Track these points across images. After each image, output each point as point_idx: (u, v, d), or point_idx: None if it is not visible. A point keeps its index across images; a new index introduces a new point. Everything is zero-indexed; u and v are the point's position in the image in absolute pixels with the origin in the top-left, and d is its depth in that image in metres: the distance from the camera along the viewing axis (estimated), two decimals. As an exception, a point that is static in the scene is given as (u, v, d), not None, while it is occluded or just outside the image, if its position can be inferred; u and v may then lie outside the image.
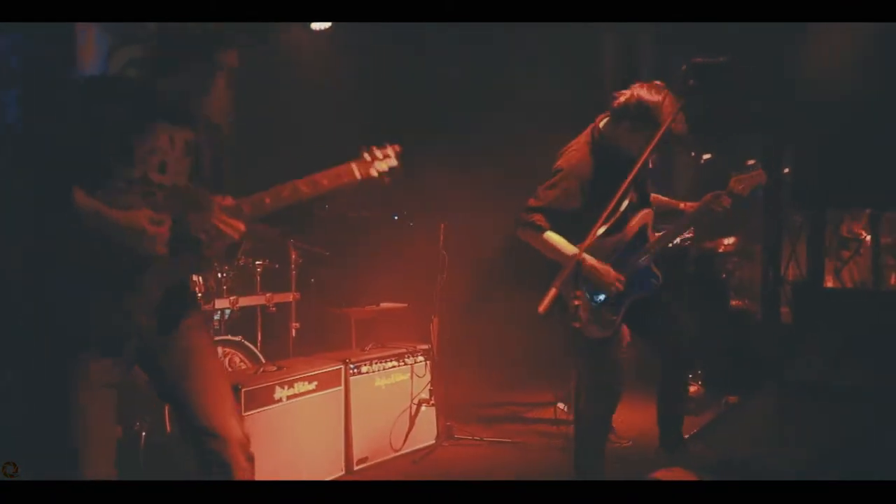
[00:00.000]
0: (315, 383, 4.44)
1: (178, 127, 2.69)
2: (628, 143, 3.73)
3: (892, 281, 8.35)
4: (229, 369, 4.85)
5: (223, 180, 2.81)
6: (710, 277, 10.03)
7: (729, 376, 6.46)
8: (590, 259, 3.65)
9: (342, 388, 4.60)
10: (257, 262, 5.35)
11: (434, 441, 5.19)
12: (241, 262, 5.18)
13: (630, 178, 3.03)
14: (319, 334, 6.41)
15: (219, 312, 5.31)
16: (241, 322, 5.66)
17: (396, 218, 7.91)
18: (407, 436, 5.00)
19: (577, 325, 3.48)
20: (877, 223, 7.63)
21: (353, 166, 2.80)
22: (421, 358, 5.18)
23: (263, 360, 4.93)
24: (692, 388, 6.07)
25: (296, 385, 4.32)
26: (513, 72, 7.07)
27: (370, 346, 5.08)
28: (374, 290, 6.96)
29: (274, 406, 4.19)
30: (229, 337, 4.93)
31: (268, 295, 5.36)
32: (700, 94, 3.86)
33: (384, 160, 2.85)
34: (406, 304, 6.56)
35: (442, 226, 5.27)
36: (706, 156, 14.43)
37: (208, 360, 2.82)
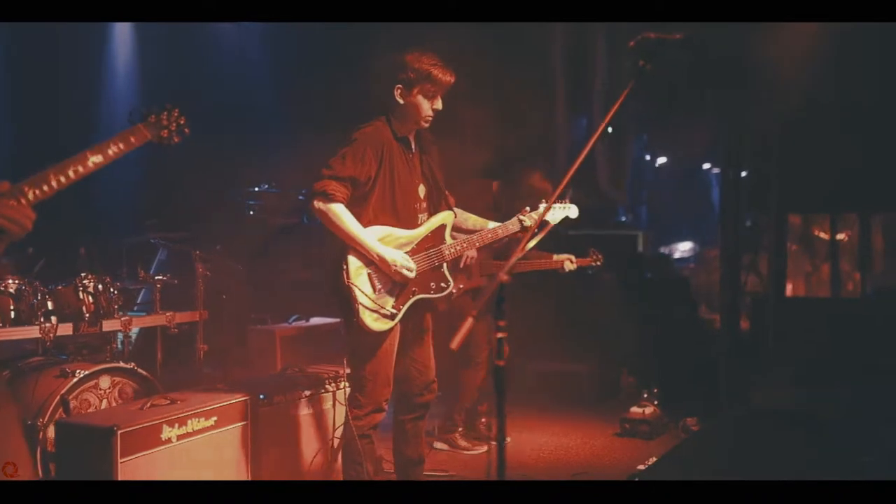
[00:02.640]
0: (214, 418, 3.82)
1: None
2: None
3: (850, 287, 8.03)
4: (118, 401, 4.20)
5: None
6: (670, 281, 9.61)
7: (688, 395, 5.99)
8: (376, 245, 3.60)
9: (248, 422, 3.99)
10: (157, 278, 4.70)
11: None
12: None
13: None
14: (238, 357, 5.80)
15: (117, 336, 4.69)
16: (143, 346, 5.06)
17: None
18: (329, 472, 4.40)
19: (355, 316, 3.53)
20: (835, 227, 7.33)
21: (142, 127, 2.63)
22: (343, 384, 4.58)
23: (161, 390, 4.30)
24: (647, 410, 5.56)
25: (189, 422, 3.69)
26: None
27: (287, 370, 4.49)
28: (300, 305, 6.39)
29: (160, 448, 3.55)
30: (120, 364, 4.26)
31: (168, 314, 4.72)
32: (650, 76, 3.42)
33: (170, 119, 2.71)
34: (341, 320, 6.01)
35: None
36: (661, 160, 14.11)
37: None
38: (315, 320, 6.38)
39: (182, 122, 2.74)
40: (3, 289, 4.15)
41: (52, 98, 5.56)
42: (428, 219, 3.84)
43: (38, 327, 4.16)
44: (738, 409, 4.91)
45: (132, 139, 2.58)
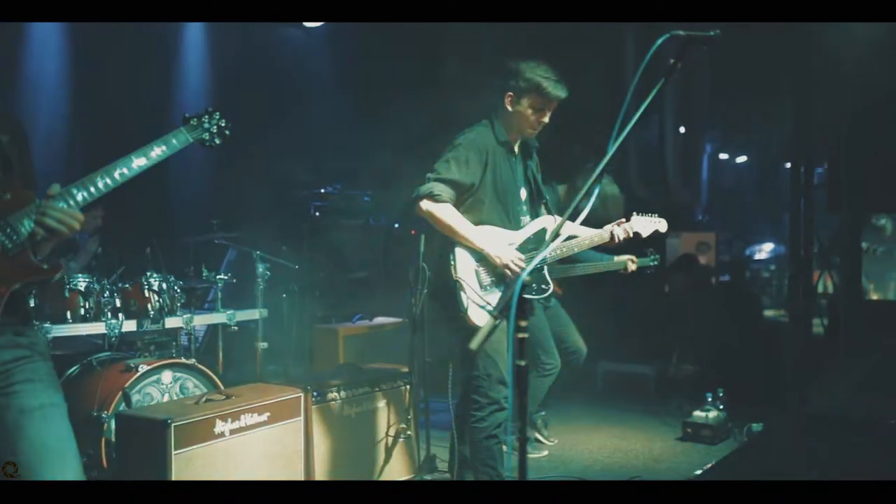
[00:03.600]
0: (267, 414, 3.92)
1: None
2: None
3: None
4: (179, 396, 4.36)
5: (33, 175, 2.53)
6: (742, 286, 9.40)
7: (754, 400, 5.84)
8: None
9: (301, 419, 4.08)
10: (219, 277, 4.85)
11: (414, 474, 4.64)
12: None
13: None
14: (301, 355, 5.93)
15: (183, 334, 4.85)
16: (210, 343, 5.23)
17: (397, 227, 7.40)
18: (382, 469, 4.47)
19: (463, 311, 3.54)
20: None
21: (184, 130, 2.69)
22: (399, 382, 4.64)
23: (221, 386, 4.43)
24: (711, 414, 5.44)
25: (242, 417, 3.80)
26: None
27: (343, 367, 4.57)
28: (364, 305, 6.50)
29: (213, 442, 3.67)
30: (182, 360, 4.42)
31: (228, 312, 4.86)
32: (681, 74, 3.37)
33: (212, 122, 2.76)
34: (403, 320, 6.08)
35: (422, 236, 4.75)
36: (740, 159, 13.76)
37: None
38: (378, 319, 6.47)
39: (223, 124, 2.80)
40: (73, 286, 4.35)
41: (120, 100, 5.75)
42: (530, 222, 3.85)
43: (104, 324, 4.34)
44: (792, 415, 4.75)
45: (174, 141, 2.65)
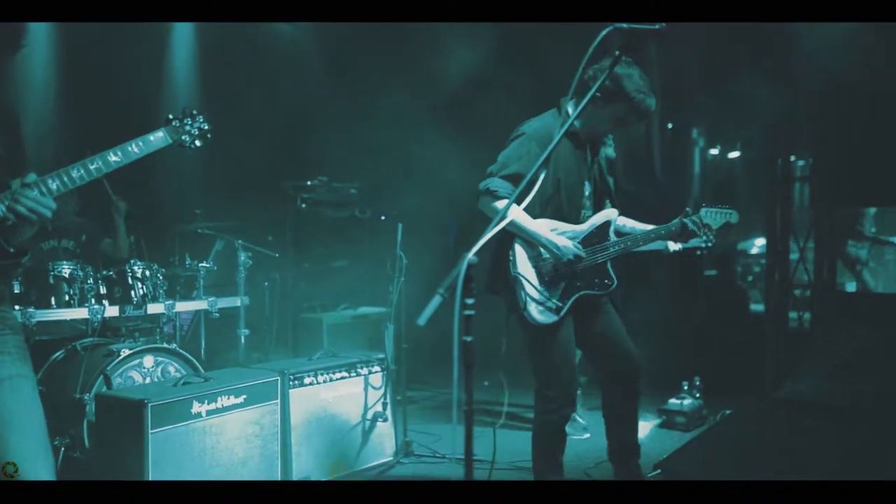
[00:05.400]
0: (244, 396, 4.03)
1: None
2: None
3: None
4: (160, 379, 4.48)
5: (23, 163, 2.58)
6: (730, 280, 9.48)
7: (734, 390, 5.94)
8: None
9: (277, 401, 4.20)
10: (201, 265, 4.96)
11: (391, 458, 4.76)
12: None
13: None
14: (286, 343, 6.04)
15: (166, 319, 4.96)
16: (191, 331, 5.34)
17: (384, 219, 7.50)
18: (358, 453, 4.58)
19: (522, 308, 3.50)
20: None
21: (164, 131, 2.77)
22: (377, 368, 4.76)
23: (202, 370, 4.55)
24: (686, 401, 5.55)
25: (219, 399, 3.92)
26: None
27: (318, 354, 4.68)
28: (350, 295, 6.61)
29: (192, 422, 3.79)
30: (163, 345, 4.55)
31: (210, 300, 4.97)
32: (628, 64, 3.46)
33: (193, 125, 2.84)
34: (388, 309, 6.17)
35: (399, 225, 4.86)
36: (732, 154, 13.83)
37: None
38: (363, 309, 6.58)
39: (204, 128, 2.88)
40: (58, 273, 4.47)
41: (108, 95, 5.83)
42: (592, 216, 3.78)
43: (87, 309, 4.46)
44: (757, 402, 4.84)
45: (152, 140, 2.73)
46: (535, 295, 3.56)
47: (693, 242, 4.28)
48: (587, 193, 3.76)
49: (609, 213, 3.77)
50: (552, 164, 3.54)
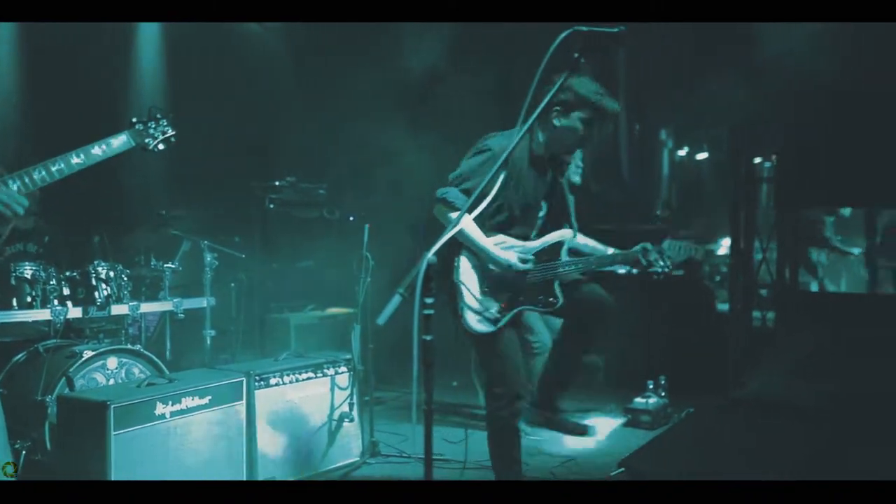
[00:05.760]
0: (209, 397, 4.02)
1: None
2: None
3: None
4: (124, 381, 4.45)
5: None
6: (697, 280, 9.56)
7: (699, 389, 6.00)
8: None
9: (243, 402, 4.19)
10: (166, 266, 4.94)
11: (358, 458, 4.77)
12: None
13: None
14: (253, 344, 6.03)
15: (131, 320, 4.93)
16: (157, 332, 5.31)
17: (353, 219, 7.51)
18: (325, 453, 4.58)
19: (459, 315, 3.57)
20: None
21: (127, 134, 2.79)
22: (343, 368, 4.76)
23: (166, 371, 4.53)
24: (651, 400, 5.60)
25: (183, 400, 3.90)
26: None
27: (285, 355, 4.68)
28: (318, 296, 6.61)
29: (155, 423, 3.76)
30: (127, 346, 4.52)
31: (175, 300, 4.95)
32: (586, 68, 3.49)
33: (157, 129, 2.85)
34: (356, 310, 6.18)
35: (366, 226, 4.87)
36: (701, 155, 13.98)
37: None
38: (331, 310, 6.58)
39: (168, 132, 2.90)
40: (20, 274, 4.42)
41: (72, 95, 5.78)
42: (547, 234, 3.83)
43: (49, 310, 4.42)
44: (721, 399, 4.91)
45: (114, 143, 2.75)
46: (474, 305, 3.62)
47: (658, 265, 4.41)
48: (541, 214, 3.83)
49: (563, 234, 3.84)
50: (512, 185, 3.61)
